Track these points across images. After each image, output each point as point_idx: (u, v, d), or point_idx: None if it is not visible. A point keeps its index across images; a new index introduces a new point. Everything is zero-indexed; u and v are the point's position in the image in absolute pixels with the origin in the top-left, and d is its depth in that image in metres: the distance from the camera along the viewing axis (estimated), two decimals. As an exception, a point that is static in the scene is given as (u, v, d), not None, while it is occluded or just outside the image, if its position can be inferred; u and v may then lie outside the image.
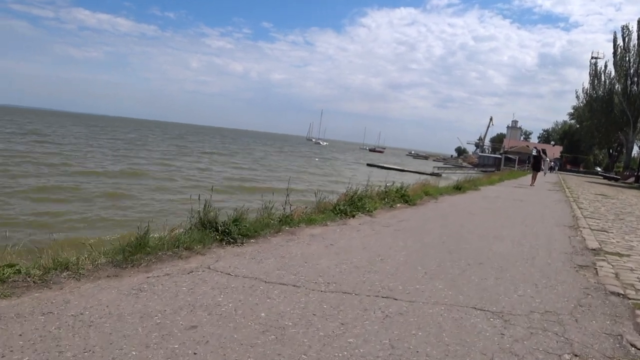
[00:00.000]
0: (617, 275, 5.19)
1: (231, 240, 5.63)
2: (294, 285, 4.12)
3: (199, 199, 6.07)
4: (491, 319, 3.52)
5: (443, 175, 45.52)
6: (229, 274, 4.37)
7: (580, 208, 13.17)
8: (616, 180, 54.50)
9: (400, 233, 6.86)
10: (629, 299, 4.38)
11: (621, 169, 65.41)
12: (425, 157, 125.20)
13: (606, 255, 6.35)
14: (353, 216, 8.14)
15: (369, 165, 61.44)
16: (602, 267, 5.55)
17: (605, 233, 8.50)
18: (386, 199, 10.06)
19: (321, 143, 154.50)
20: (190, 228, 5.79)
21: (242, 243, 5.63)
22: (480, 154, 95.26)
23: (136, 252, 4.79)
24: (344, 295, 3.91)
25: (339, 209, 8.19)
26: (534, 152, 26.43)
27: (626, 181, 52.90)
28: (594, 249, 6.65)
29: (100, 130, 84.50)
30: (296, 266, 4.72)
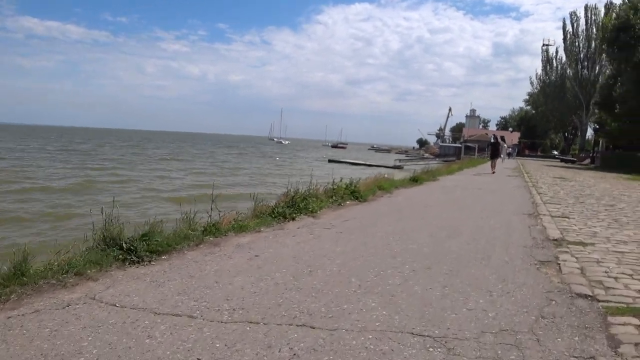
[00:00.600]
0: (582, 271, 4.51)
1: (136, 259, 4.70)
2: (190, 316, 3.25)
3: (102, 211, 5.14)
4: (431, 349, 2.72)
5: (405, 167, 45.24)
6: (114, 305, 3.46)
7: (539, 193, 12.71)
8: (573, 162, 55.66)
9: (343, 235, 6.05)
10: (599, 300, 3.68)
11: (577, 152, 67.02)
12: (388, 151, 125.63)
13: (569, 245, 5.70)
14: (293, 219, 7.30)
15: (330, 161, 60.69)
16: (565, 261, 4.87)
17: (566, 219, 7.93)
18: (334, 197, 9.26)
19: (283, 142, 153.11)
20: (90, 248, 4.86)
21: (150, 261, 4.71)
22: (441, 144, 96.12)
23: (10, 283, 3.82)
24: (249, 327, 3.05)
25: (277, 212, 7.34)
26: (492, 139, 25.67)
27: (582, 163, 54.07)
28: (556, 240, 6.00)
29: (54, 141, 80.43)
30: (203, 288, 3.84)
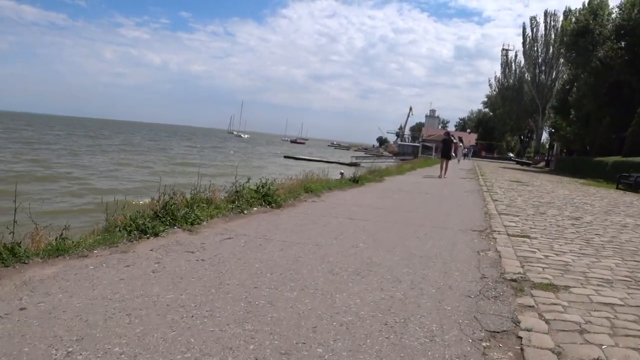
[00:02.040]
0: (560, 359, 2.58)
1: None
2: None
3: None
4: None
5: (362, 164, 43.99)
6: None
7: (494, 200, 10.98)
8: (528, 165, 55.63)
9: (201, 267, 3.98)
10: None
11: (532, 154, 67.46)
12: (347, 148, 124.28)
13: (534, 291, 3.79)
14: (156, 234, 5.18)
15: (286, 157, 58.88)
16: (530, 331, 2.92)
17: (527, 240, 6.07)
18: (237, 202, 7.19)
19: (242, 136, 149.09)
20: None
21: None
22: (400, 143, 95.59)
23: None
24: None
25: (137, 225, 5.22)
26: (444, 136, 21.94)
27: (537, 166, 54.09)
28: (514, 280, 4.07)
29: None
30: None
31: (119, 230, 5.15)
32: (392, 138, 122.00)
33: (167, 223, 5.62)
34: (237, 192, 7.46)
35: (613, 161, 26.03)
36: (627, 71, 32.81)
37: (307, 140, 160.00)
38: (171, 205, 5.91)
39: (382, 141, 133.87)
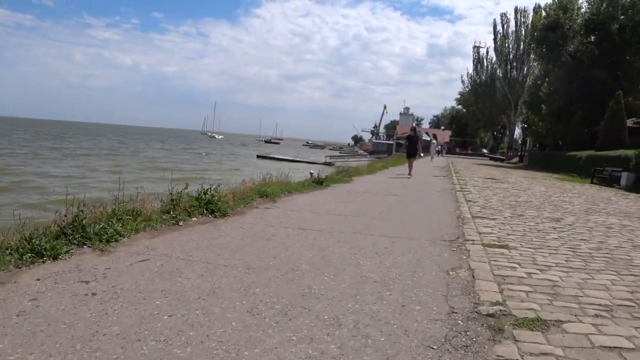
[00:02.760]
0: None
1: None
2: None
3: None
4: None
5: (336, 164, 43.28)
6: None
7: (468, 201, 10.16)
8: (502, 160, 55.74)
9: (82, 306, 2.97)
10: None
11: (505, 150, 67.82)
12: (322, 147, 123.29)
13: (517, 332, 2.88)
14: (56, 257, 4.16)
15: (259, 157, 57.86)
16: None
17: (505, 252, 5.19)
18: (172, 212, 6.16)
19: (216, 137, 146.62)
20: None
21: None
22: (374, 141, 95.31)
23: None
24: None
25: (32, 246, 4.21)
26: (410, 132, 18.86)
27: (510, 161, 54.21)
28: (492, 315, 3.16)
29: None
30: None
31: (10, 253, 4.12)
32: (367, 136, 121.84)
33: (75, 242, 4.60)
34: (172, 200, 6.42)
35: (586, 155, 25.72)
36: (597, 65, 32.72)
37: (281, 140, 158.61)
38: (81, 220, 4.87)
39: (357, 139, 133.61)
